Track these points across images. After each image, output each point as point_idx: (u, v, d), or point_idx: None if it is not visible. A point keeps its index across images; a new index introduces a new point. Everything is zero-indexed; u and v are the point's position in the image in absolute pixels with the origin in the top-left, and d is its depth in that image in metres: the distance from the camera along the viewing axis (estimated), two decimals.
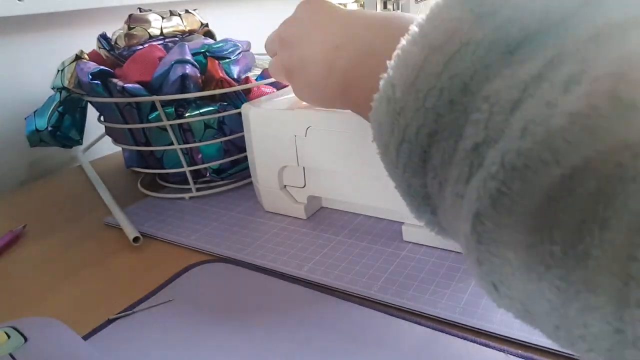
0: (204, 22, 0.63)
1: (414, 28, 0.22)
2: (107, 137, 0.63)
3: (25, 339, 0.28)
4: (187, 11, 0.62)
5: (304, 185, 0.49)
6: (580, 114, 0.16)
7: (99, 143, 0.73)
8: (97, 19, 0.75)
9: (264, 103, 0.49)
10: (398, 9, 0.57)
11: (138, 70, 0.52)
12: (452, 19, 0.20)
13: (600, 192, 0.15)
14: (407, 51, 0.22)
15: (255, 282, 0.40)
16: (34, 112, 0.60)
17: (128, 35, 0.56)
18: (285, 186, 0.50)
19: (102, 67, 0.52)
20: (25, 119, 0.60)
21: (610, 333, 0.16)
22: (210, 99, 0.54)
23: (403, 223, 0.44)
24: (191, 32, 0.62)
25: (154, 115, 0.53)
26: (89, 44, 0.61)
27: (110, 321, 0.36)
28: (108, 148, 0.74)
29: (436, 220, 0.25)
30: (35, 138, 0.60)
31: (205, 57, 0.54)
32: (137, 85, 0.51)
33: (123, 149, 0.59)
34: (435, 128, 0.21)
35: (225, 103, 0.54)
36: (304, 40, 0.37)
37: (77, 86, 0.56)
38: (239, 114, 0.52)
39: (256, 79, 0.58)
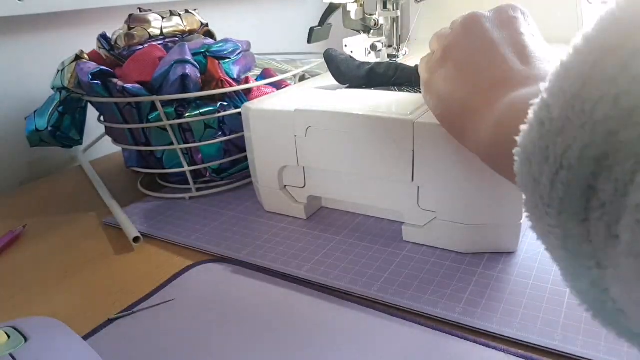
0: (204, 22, 0.63)
1: (576, 41, 0.18)
2: (107, 137, 0.63)
3: (26, 339, 0.28)
4: (187, 11, 0.62)
5: (304, 185, 0.49)
6: None
7: (99, 143, 0.73)
8: (97, 19, 0.75)
9: (264, 103, 0.49)
10: (398, 9, 0.57)
11: (138, 70, 0.52)
12: (629, 19, 0.17)
13: None
14: (568, 63, 0.18)
15: (255, 282, 0.40)
16: (34, 112, 0.60)
17: (128, 35, 0.56)
18: (285, 186, 0.50)
19: (102, 67, 0.53)
20: (25, 119, 0.60)
21: None
22: (210, 99, 0.54)
23: (403, 223, 0.44)
24: (191, 32, 0.62)
25: (154, 115, 0.53)
26: (89, 44, 0.61)
27: (110, 321, 0.36)
28: (108, 148, 0.74)
29: (600, 287, 0.18)
30: (36, 138, 0.60)
31: (205, 57, 0.54)
32: (137, 85, 0.51)
33: (123, 149, 0.59)
34: (605, 149, 0.16)
35: (225, 103, 0.54)
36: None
37: (77, 86, 0.56)
38: (239, 114, 0.52)
39: (256, 79, 0.58)
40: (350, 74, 0.51)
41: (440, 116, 0.36)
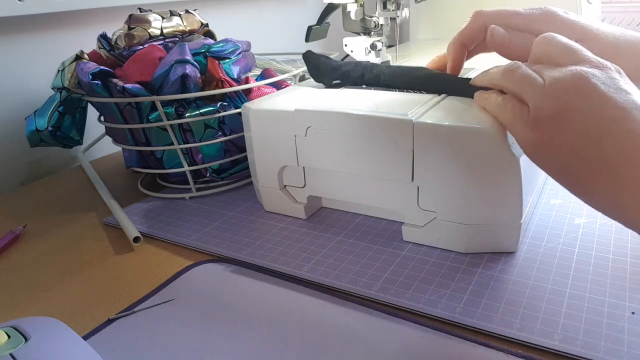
0: (204, 22, 0.63)
1: None
2: (107, 137, 0.63)
3: (26, 339, 0.28)
4: (187, 11, 0.62)
5: (304, 185, 0.49)
6: None
7: (99, 143, 0.73)
8: (97, 19, 0.75)
9: (264, 103, 0.49)
10: (398, 9, 0.57)
11: (138, 71, 0.52)
12: None
13: None
14: None
15: (255, 282, 0.40)
16: (34, 112, 0.60)
17: (128, 36, 0.56)
18: (285, 186, 0.50)
19: (102, 67, 0.53)
20: (25, 119, 0.60)
21: None
22: (210, 99, 0.54)
23: (403, 223, 0.44)
24: (191, 32, 0.62)
25: (154, 115, 0.53)
26: (89, 44, 0.61)
27: (110, 321, 0.36)
28: (108, 148, 0.74)
29: None
30: (36, 138, 0.60)
31: (206, 57, 0.54)
32: (137, 85, 0.51)
33: (123, 149, 0.59)
34: None
35: (226, 103, 0.54)
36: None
37: (77, 86, 0.56)
38: (239, 114, 0.52)
39: (256, 79, 0.58)
40: (328, 73, 0.53)
41: (578, 186, 0.33)
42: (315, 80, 0.55)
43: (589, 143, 0.31)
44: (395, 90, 0.49)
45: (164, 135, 0.54)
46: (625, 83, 0.32)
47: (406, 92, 0.48)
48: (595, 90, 0.32)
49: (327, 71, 0.53)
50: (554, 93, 0.33)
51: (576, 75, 0.32)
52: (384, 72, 0.50)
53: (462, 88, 0.45)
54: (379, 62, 0.59)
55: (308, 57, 0.54)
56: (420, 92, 0.48)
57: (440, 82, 0.47)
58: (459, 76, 0.47)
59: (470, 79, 0.43)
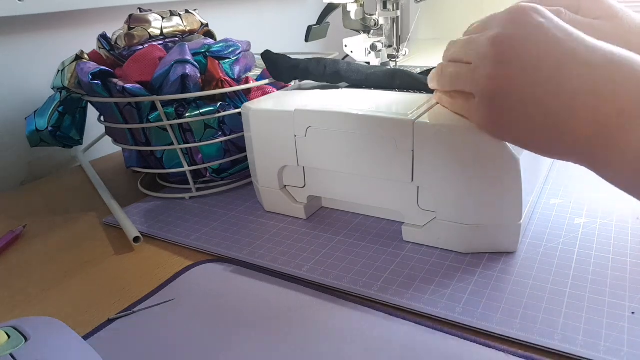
0: (204, 22, 0.64)
1: None
2: (107, 137, 0.63)
3: (26, 339, 0.28)
4: (187, 11, 0.62)
5: (304, 185, 0.49)
6: None
7: (99, 143, 0.73)
8: (97, 19, 0.75)
9: (264, 103, 0.49)
10: (398, 9, 0.57)
11: (138, 71, 0.52)
12: None
13: None
14: None
15: (255, 282, 0.40)
16: (34, 112, 0.60)
17: (128, 36, 0.56)
18: (285, 186, 0.50)
19: (102, 67, 0.53)
20: (25, 119, 0.60)
21: None
22: (210, 99, 0.54)
23: (403, 223, 0.44)
24: (191, 32, 0.62)
25: (154, 115, 0.53)
26: (89, 44, 0.61)
27: (110, 321, 0.36)
28: (108, 148, 0.74)
29: None
30: (36, 138, 0.60)
31: (206, 57, 0.54)
32: (137, 85, 0.51)
33: (123, 149, 0.59)
34: None
35: (226, 103, 0.54)
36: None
37: (77, 86, 0.56)
38: (239, 114, 0.52)
39: (256, 79, 0.58)
40: (286, 71, 0.53)
41: (534, 139, 0.33)
42: (275, 78, 0.55)
43: (545, 95, 0.31)
44: (396, 91, 0.49)
45: (164, 135, 0.54)
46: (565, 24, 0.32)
47: (406, 92, 0.49)
48: (545, 33, 0.31)
49: (285, 69, 0.53)
50: (497, 49, 0.33)
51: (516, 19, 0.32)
52: (342, 69, 0.51)
53: (420, 84, 0.47)
54: (379, 63, 0.59)
55: (266, 55, 0.54)
56: (422, 92, 0.48)
57: (397, 79, 0.49)
58: (418, 73, 0.49)
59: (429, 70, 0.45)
